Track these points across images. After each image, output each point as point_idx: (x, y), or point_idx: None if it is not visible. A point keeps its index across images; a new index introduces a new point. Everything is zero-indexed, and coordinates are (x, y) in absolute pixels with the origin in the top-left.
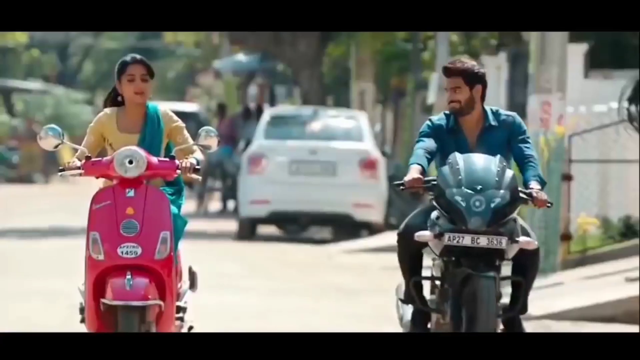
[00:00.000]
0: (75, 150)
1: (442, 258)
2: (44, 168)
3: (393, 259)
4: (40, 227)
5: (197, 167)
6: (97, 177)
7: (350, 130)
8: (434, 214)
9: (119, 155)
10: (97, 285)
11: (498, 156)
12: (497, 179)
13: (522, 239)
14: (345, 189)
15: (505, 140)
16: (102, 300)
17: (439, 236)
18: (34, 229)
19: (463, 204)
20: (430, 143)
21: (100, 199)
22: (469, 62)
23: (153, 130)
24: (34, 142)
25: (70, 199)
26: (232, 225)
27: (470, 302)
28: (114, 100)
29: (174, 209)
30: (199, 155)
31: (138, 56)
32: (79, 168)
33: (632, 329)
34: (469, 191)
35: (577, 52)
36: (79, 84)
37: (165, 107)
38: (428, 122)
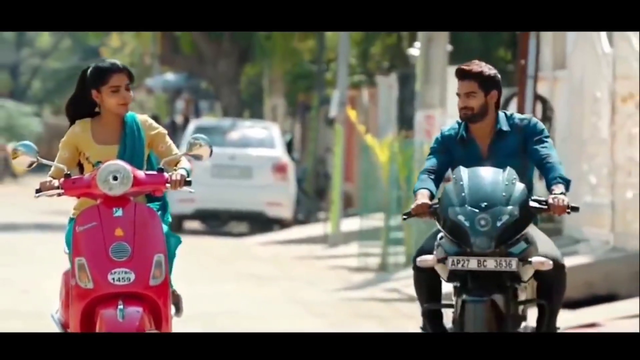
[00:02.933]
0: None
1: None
2: None
3: (301, 249)
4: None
5: (187, 179)
6: (79, 197)
7: (264, 139)
8: (439, 236)
9: (102, 171)
10: (85, 316)
11: (508, 168)
12: (504, 193)
13: (535, 259)
14: (260, 189)
15: (520, 145)
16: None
17: (442, 260)
18: None
19: (467, 224)
20: (435, 161)
21: (85, 220)
22: (485, 65)
23: (133, 140)
24: None
25: (20, 198)
26: None
27: (460, 330)
28: (81, 109)
29: (165, 227)
30: (186, 164)
31: (119, 63)
32: (57, 188)
33: None
34: (473, 209)
35: None
36: (29, 99)
37: (144, 115)
38: (437, 136)
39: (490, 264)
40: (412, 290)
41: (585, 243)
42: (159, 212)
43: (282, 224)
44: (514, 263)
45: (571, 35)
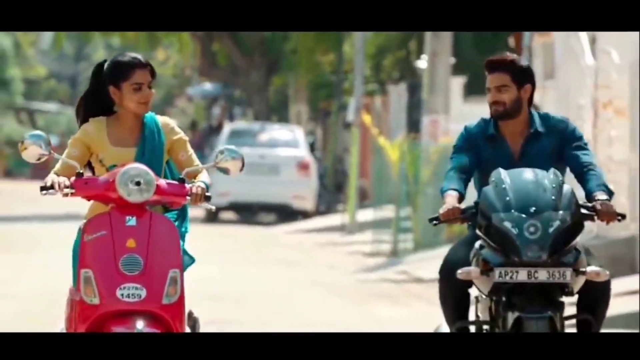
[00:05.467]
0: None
1: (492, 297)
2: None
3: (322, 237)
4: (57, 213)
5: (207, 193)
6: (89, 199)
7: (289, 140)
8: (477, 244)
9: (123, 174)
10: None
11: (552, 170)
12: (553, 197)
13: (589, 269)
14: (286, 184)
15: (556, 149)
16: None
17: (487, 272)
18: (53, 215)
19: (515, 231)
20: (464, 159)
21: (94, 228)
22: (517, 57)
23: (153, 145)
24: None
25: None
26: (200, 212)
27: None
28: (94, 107)
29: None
30: (206, 178)
31: (142, 58)
32: (68, 187)
33: None
34: (521, 215)
35: (458, 83)
36: None
37: (165, 117)
38: (462, 132)
39: (542, 275)
40: (419, 272)
41: None
42: (176, 223)
43: (305, 214)
44: (568, 274)
45: (559, 49)
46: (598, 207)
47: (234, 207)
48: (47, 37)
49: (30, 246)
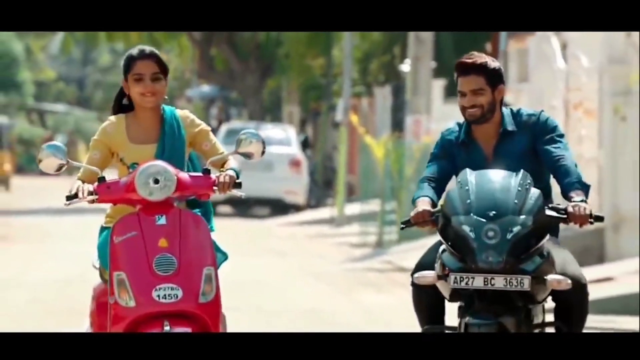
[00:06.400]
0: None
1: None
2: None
3: (312, 229)
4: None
5: (237, 180)
6: (115, 203)
7: (282, 139)
8: (441, 248)
9: (141, 173)
10: None
11: (521, 171)
12: (516, 201)
13: (550, 277)
14: (279, 180)
15: (529, 146)
16: None
17: (445, 277)
18: (62, 208)
19: (472, 235)
20: (436, 168)
21: (123, 229)
22: (487, 57)
23: (173, 139)
24: None
25: None
26: None
27: None
28: (121, 104)
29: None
30: (235, 164)
31: (147, 49)
32: (92, 193)
33: None
34: (480, 219)
35: (439, 85)
36: (92, 107)
37: (185, 111)
38: (438, 140)
39: (499, 282)
40: (403, 262)
41: None
42: None
43: (297, 208)
44: (526, 282)
45: (532, 54)
46: (570, 209)
47: (230, 201)
48: (56, 42)
49: (41, 238)
